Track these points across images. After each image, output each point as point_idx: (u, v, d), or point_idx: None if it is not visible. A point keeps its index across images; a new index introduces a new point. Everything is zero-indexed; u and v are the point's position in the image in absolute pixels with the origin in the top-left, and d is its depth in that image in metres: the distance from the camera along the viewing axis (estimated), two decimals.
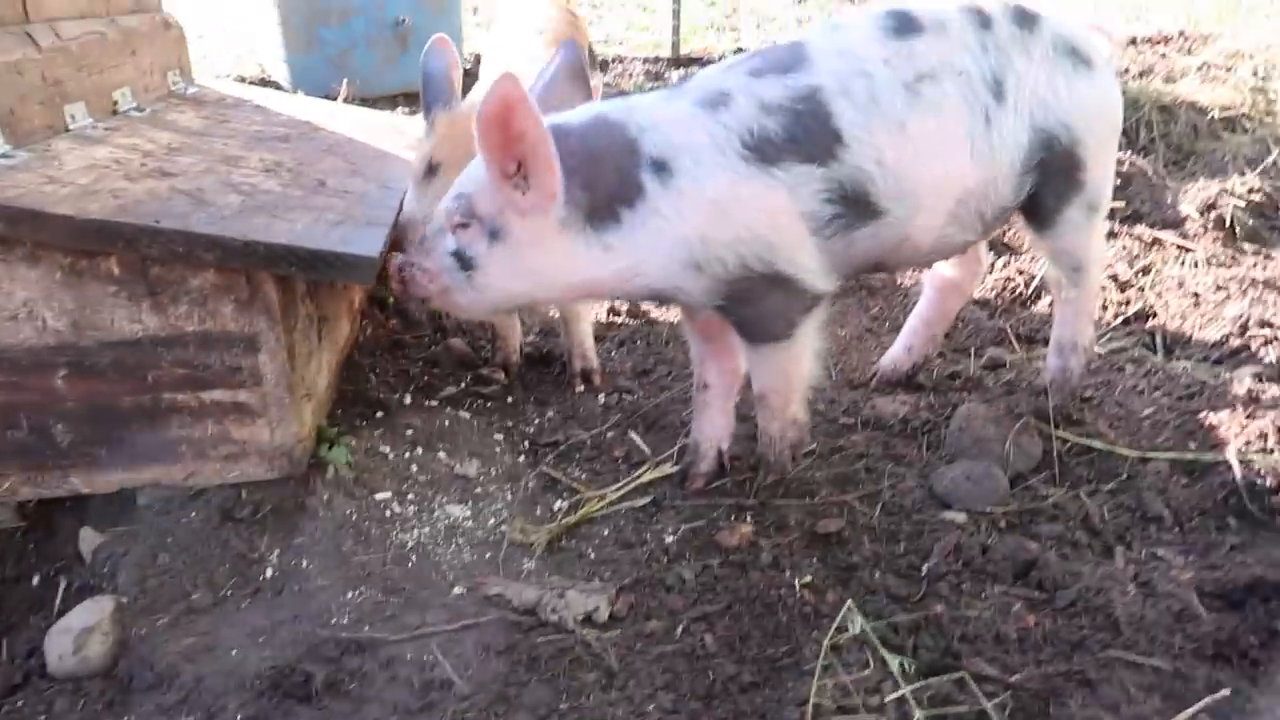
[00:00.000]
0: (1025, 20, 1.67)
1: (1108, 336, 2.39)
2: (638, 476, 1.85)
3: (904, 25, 1.59)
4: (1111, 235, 2.90)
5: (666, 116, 1.53)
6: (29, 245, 1.49)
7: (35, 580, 1.67)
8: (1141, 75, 4.48)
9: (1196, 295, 2.51)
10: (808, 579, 1.57)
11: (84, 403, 1.59)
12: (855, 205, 1.55)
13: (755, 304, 1.59)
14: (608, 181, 1.50)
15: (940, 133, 1.56)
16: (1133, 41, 5.31)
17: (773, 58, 1.59)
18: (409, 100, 4.75)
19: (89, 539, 1.69)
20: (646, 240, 1.51)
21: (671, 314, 2.66)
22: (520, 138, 1.41)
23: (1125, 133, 3.89)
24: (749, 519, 1.74)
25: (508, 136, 1.42)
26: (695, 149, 1.49)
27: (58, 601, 1.61)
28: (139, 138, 1.93)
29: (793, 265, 1.56)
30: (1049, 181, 1.70)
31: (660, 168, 1.49)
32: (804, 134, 1.51)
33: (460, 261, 1.54)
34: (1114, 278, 2.66)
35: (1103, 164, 1.77)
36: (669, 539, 1.70)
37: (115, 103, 2.04)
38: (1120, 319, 2.47)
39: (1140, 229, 2.94)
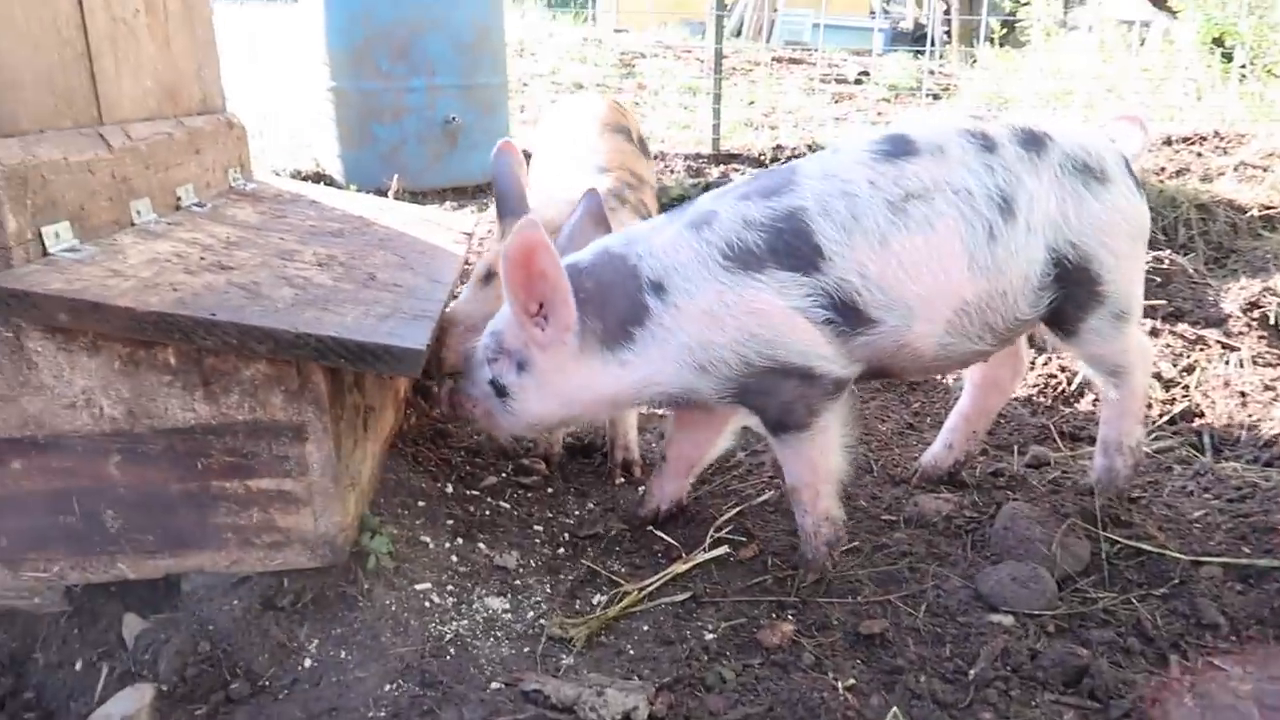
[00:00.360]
0: (1032, 142, 1.71)
1: (1154, 435, 2.36)
2: (670, 571, 1.84)
3: (898, 149, 1.68)
4: (1154, 333, 2.88)
5: (659, 242, 1.69)
6: (90, 335, 1.54)
7: (78, 665, 1.68)
8: (1178, 174, 4.51)
9: (1243, 394, 2.47)
10: (851, 681, 1.54)
11: (134, 489, 1.62)
12: (846, 313, 1.64)
13: (774, 394, 1.68)
14: (618, 307, 1.67)
15: (929, 248, 1.63)
16: (1168, 141, 5.35)
17: (762, 183, 1.71)
18: (456, 194, 4.90)
19: (132, 625, 1.71)
20: (657, 352, 1.67)
21: None
22: (542, 277, 1.60)
23: (1164, 230, 3.92)
24: (790, 617, 1.71)
25: (530, 276, 1.60)
26: (682, 267, 1.65)
27: (99, 688, 1.62)
28: (200, 232, 2.01)
29: (800, 355, 1.65)
30: (1068, 295, 1.74)
31: (658, 288, 1.65)
32: (785, 247, 1.62)
33: (496, 390, 1.76)
34: (1158, 376, 2.64)
35: (1125, 274, 1.77)
36: (709, 636, 1.68)
37: (179, 198, 2.13)
38: (1166, 418, 2.44)
39: (1183, 327, 2.92)
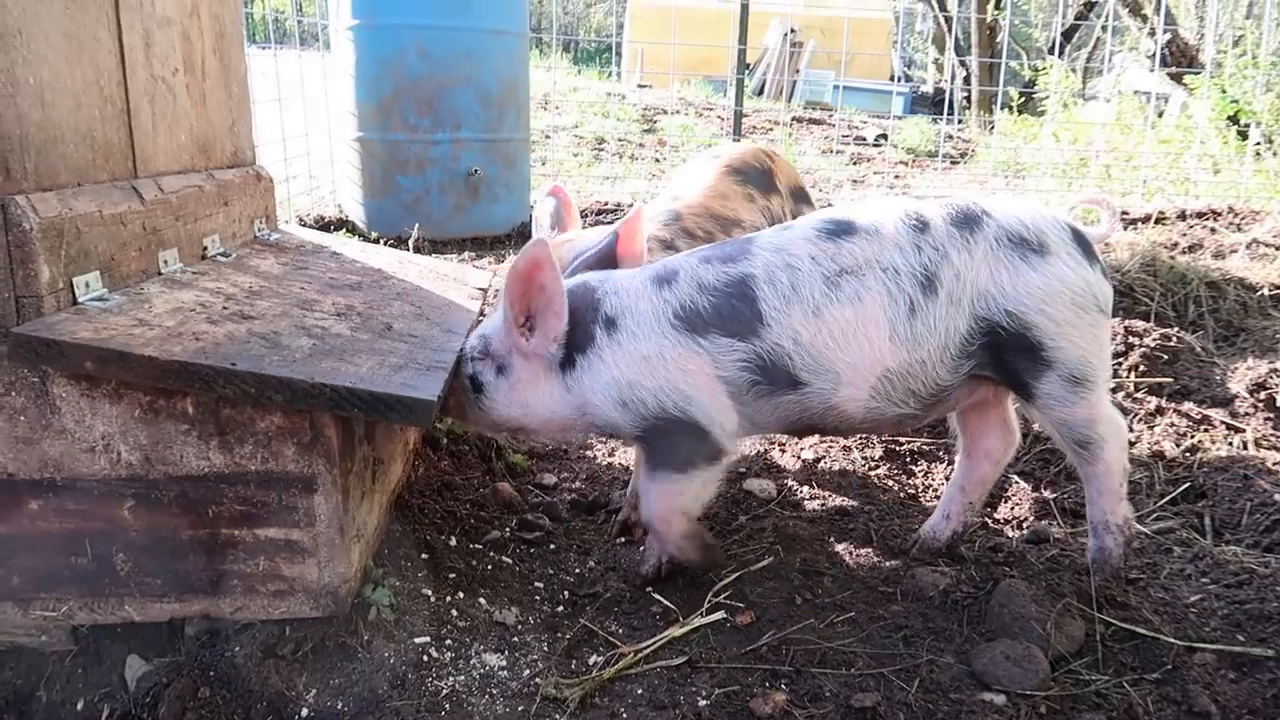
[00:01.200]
0: (966, 222, 1.83)
1: (1154, 516, 2.37)
2: (667, 635, 1.86)
3: (839, 229, 1.84)
4: (1159, 411, 2.90)
5: (627, 286, 1.88)
6: (113, 383, 1.60)
7: (79, 705, 1.70)
8: (1190, 250, 4.55)
9: (1246, 477, 2.48)
10: None
11: (146, 534, 1.66)
12: (776, 375, 1.82)
13: (668, 438, 1.88)
14: (575, 334, 1.86)
15: (856, 320, 1.79)
16: (1182, 216, 5.40)
17: (724, 249, 1.89)
18: (475, 245, 4.98)
19: (135, 667, 1.74)
20: (590, 381, 1.86)
21: None
22: (541, 290, 1.80)
23: (1174, 307, 3.94)
24: (784, 687, 1.73)
25: (530, 289, 1.80)
26: (639, 314, 1.84)
27: None
28: (223, 281, 2.07)
29: (706, 418, 1.85)
30: (1012, 360, 1.84)
31: (610, 323, 1.85)
32: (730, 313, 1.81)
33: (473, 385, 1.94)
34: (1160, 455, 2.65)
35: (1073, 341, 1.82)
36: (702, 703, 1.69)
37: (205, 249, 2.19)
38: (1167, 498, 2.45)
39: (1188, 406, 2.94)
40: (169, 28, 2.10)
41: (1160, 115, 8.58)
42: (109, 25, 1.85)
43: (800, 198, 2.79)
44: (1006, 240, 1.81)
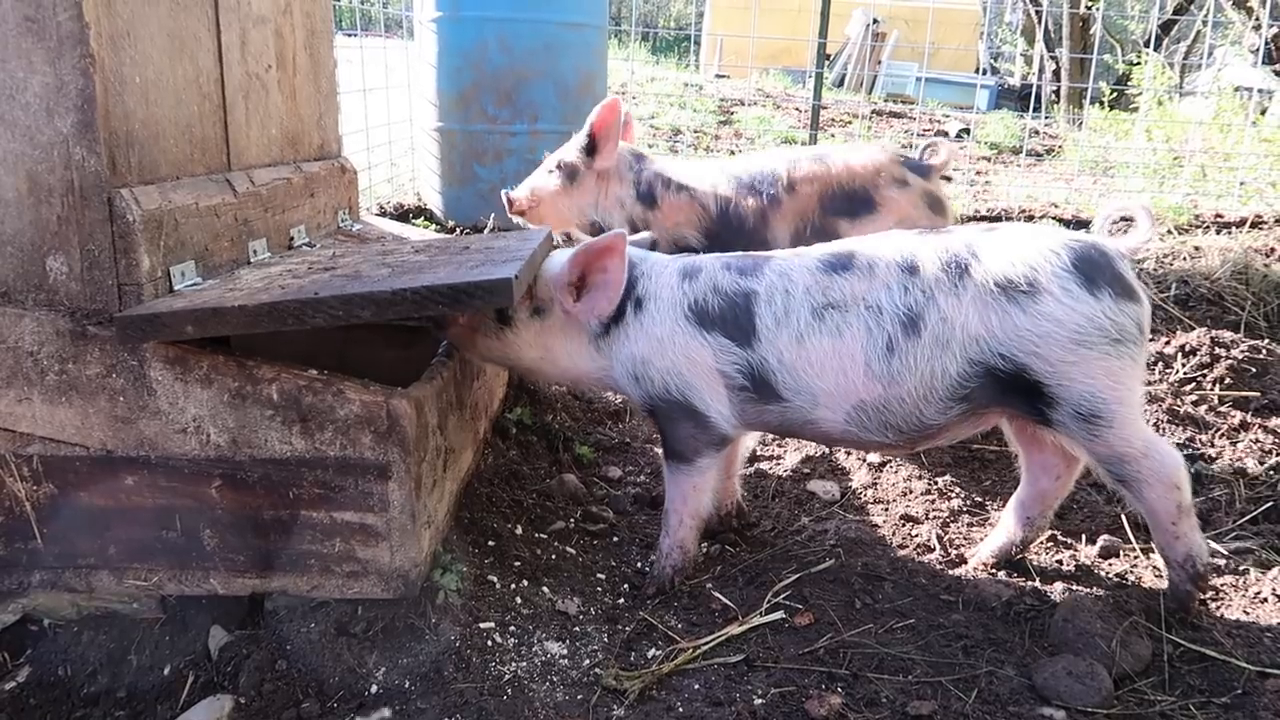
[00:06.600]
0: (956, 265, 1.84)
1: (1233, 535, 2.31)
2: (726, 632, 1.88)
3: (838, 264, 1.93)
4: (1243, 427, 2.81)
5: (660, 272, 2.04)
6: (205, 368, 1.68)
7: (166, 670, 1.80)
8: None
9: None
10: None
11: (231, 512, 1.75)
12: (761, 386, 1.95)
13: (672, 424, 2.01)
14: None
15: (834, 352, 1.88)
16: None
17: (743, 261, 2.03)
18: None
19: (218, 637, 1.83)
20: (616, 350, 2.02)
21: (779, 469, 2.71)
22: (603, 271, 1.94)
23: (1266, 317, 3.80)
24: (840, 690, 1.74)
25: (595, 264, 1.94)
26: (661, 300, 2.00)
27: (184, 694, 1.74)
28: (308, 257, 2.15)
29: (703, 403, 1.98)
30: (1018, 396, 1.84)
31: (639, 304, 2.01)
32: (733, 319, 1.95)
33: (500, 316, 2.01)
34: (1242, 472, 2.57)
35: (1076, 379, 1.78)
36: (758, 701, 1.71)
37: (291, 238, 2.28)
38: (1248, 518, 2.38)
39: (1275, 422, 2.84)
40: (264, 26, 2.19)
41: (1263, 113, 8.22)
42: (209, 25, 1.94)
43: (831, 208, 2.86)
44: (993, 284, 1.80)
